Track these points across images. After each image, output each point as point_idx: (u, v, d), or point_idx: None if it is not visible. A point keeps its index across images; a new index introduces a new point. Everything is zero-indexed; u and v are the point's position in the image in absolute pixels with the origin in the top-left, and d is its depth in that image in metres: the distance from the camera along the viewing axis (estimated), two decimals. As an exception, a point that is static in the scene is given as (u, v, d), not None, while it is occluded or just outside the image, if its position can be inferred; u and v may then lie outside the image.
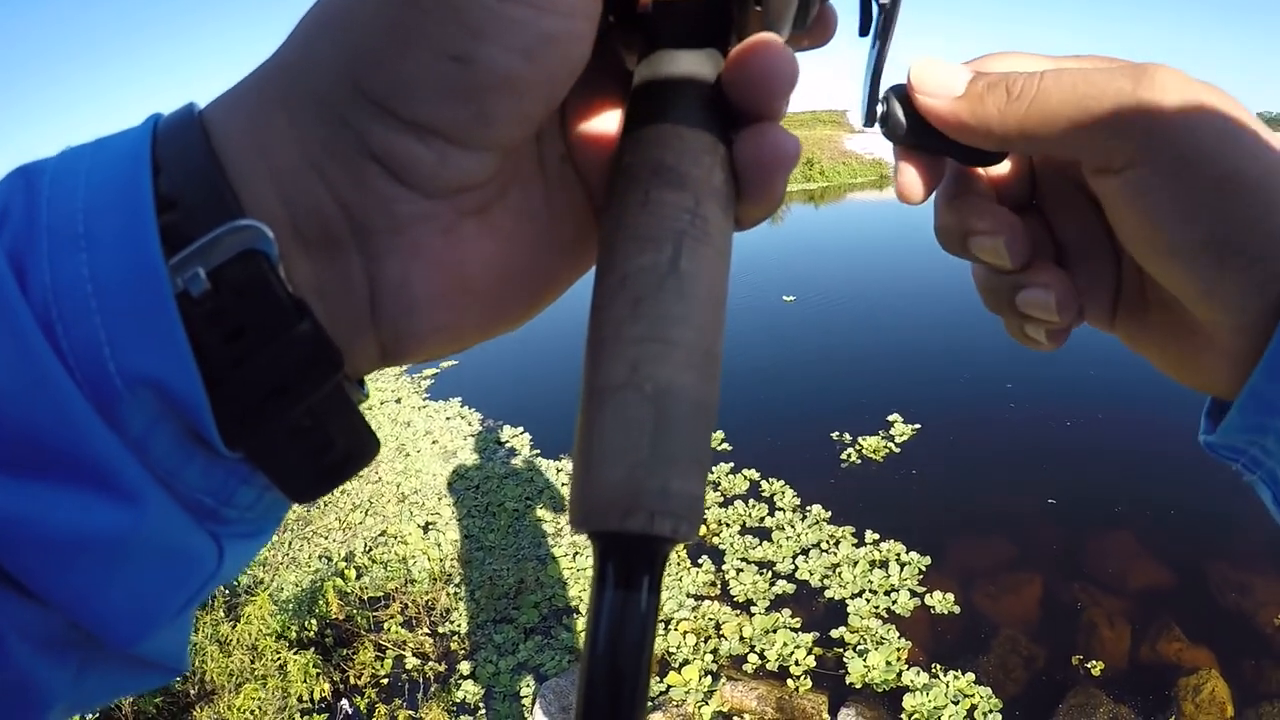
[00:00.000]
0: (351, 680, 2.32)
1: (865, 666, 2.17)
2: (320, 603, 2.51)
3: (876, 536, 2.69)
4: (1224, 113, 0.21)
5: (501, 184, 0.20)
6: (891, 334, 4.77)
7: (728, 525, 2.86)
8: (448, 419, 4.07)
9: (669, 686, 2.17)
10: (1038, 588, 2.45)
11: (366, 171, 0.18)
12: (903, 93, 0.25)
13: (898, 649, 2.21)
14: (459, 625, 2.55)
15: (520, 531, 2.99)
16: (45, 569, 0.16)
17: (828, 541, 2.71)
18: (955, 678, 2.10)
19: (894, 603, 2.39)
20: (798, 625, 2.36)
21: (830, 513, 2.86)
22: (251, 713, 1.97)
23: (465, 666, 2.36)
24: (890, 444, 3.29)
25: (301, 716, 2.10)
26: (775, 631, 2.34)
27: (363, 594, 2.67)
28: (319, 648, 2.38)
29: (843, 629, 2.31)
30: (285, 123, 0.17)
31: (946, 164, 0.27)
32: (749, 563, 2.66)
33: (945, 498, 2.93)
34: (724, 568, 2.65)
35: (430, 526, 3.10)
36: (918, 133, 0.25)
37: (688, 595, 2.53)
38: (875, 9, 0.25)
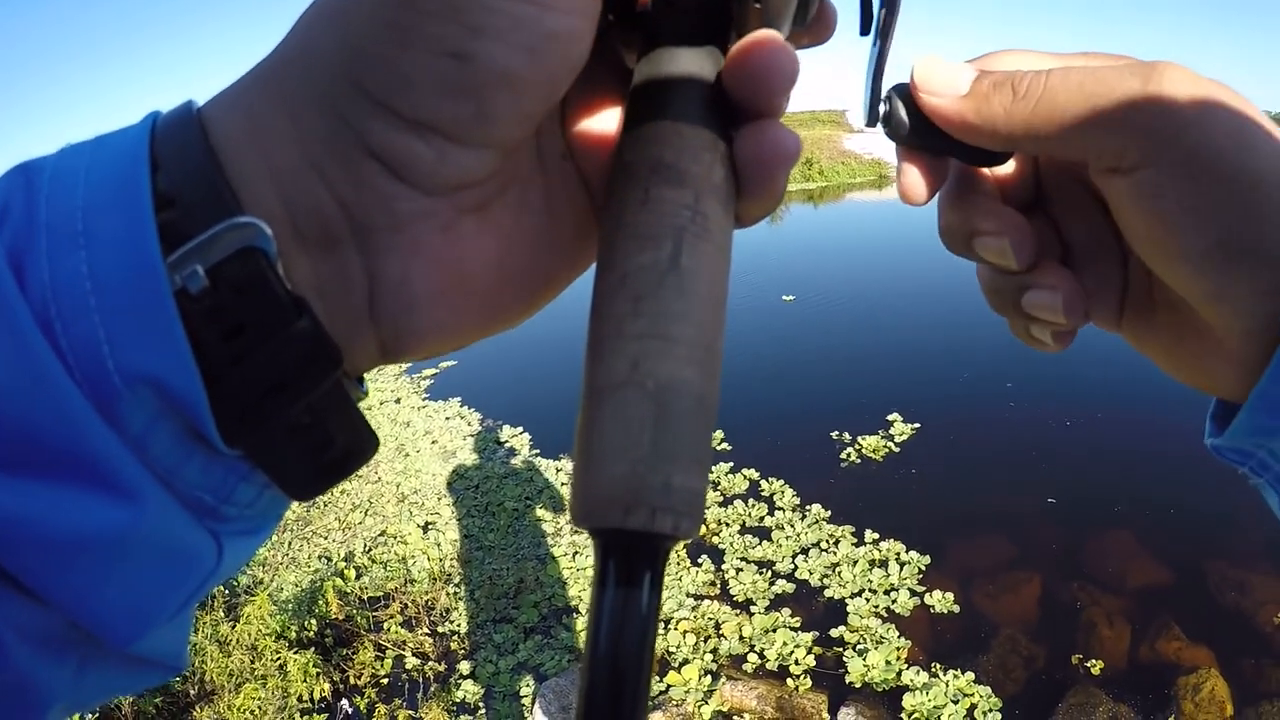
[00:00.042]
0: (351, 680, 2.32)
1: (865, 666, 2.17)
2: (320, 603, 2.51)
3: (876, 536, 2.69)
4: (1235, 110, 0.21)
5: (501, 182, 0.20)
6: (891, 334, 4.77)
7: (727, 525, 2.86)
8: (447, 419, 4.07)
9: (669, 686, 2.17)
10: (1037, 587, 2.45)
11: (366, 169, 0.18)
12: (905, 92, 0.25)
13: (897, 648, 2.21)
14: (459, 625, 2.55)
15: (520, 531, 2.99)
16: (44, 568, 0.15)
17: (827, 541, 2.71)
18: (955, 677, 2.10)
19: (894, 602, 2.39)
20: (797, 624, 2.36)
21: (830, 512, 2.86)
22: (251, 713, 1.97)
23: (465, 666, 2.36)
24: (890, 443, 3.29)
25: (301, 716, 2.10)
26: (775, 631, 2.34)
27: (362, 594, 2.67)
28: (319, 648, 2.38)
29: (842, 628, 2.31)
30: (284, 120, 0.17)
31: (950, 164, 0.26)
32: (749, 562, 2.66)
33: (945, 497, 2.93)
34: (724, 567, 2.65)
35: (430, 526, 3.10)
36: (921, 133, 0.25)
37: (687, 595, 2.53)
38: (876, 7, 0.25)
